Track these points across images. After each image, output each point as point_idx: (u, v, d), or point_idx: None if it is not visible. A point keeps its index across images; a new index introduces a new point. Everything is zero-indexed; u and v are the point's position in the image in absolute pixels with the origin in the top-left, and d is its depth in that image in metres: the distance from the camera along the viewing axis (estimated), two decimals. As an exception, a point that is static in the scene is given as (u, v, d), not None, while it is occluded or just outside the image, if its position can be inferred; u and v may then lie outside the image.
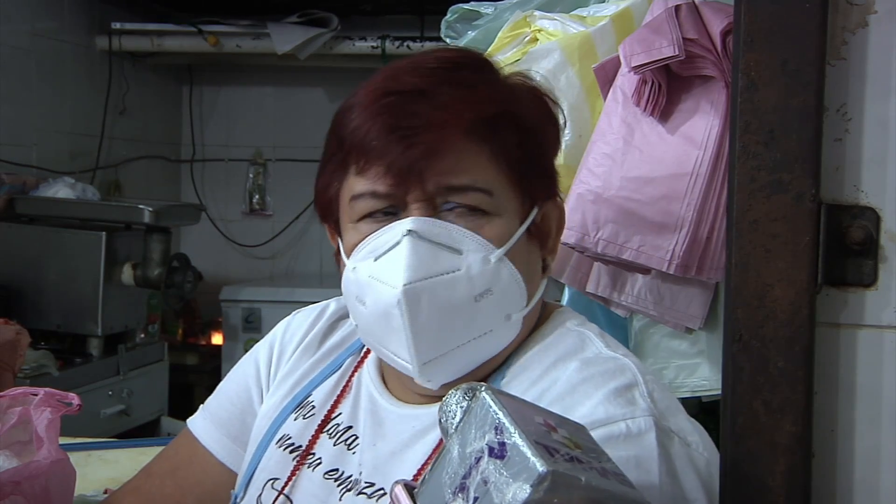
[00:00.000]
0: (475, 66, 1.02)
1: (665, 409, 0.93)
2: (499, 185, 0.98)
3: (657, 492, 0.86)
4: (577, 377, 0.95)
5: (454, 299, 0.94)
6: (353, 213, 1.00)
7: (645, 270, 1.49)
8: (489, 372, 1.01)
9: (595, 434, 0.86)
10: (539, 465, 0.62)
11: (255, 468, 1.09)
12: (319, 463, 1.04)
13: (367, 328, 1.00)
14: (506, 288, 0.96)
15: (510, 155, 0.99)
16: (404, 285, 0.92)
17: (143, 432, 3.31)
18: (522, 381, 0.98)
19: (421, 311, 0.93)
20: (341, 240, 1.03)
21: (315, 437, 1.07)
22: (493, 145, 0.98)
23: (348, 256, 1.00)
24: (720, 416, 0.89)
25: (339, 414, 1.08)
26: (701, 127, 1.40)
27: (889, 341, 0.85)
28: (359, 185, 0.98)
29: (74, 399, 1.02)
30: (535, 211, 1.01)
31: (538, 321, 1.05)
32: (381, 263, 0.95)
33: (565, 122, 1.08)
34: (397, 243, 0.94)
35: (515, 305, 0.98)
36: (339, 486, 1.01)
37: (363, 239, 0.98)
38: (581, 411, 0.90)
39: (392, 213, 0.97)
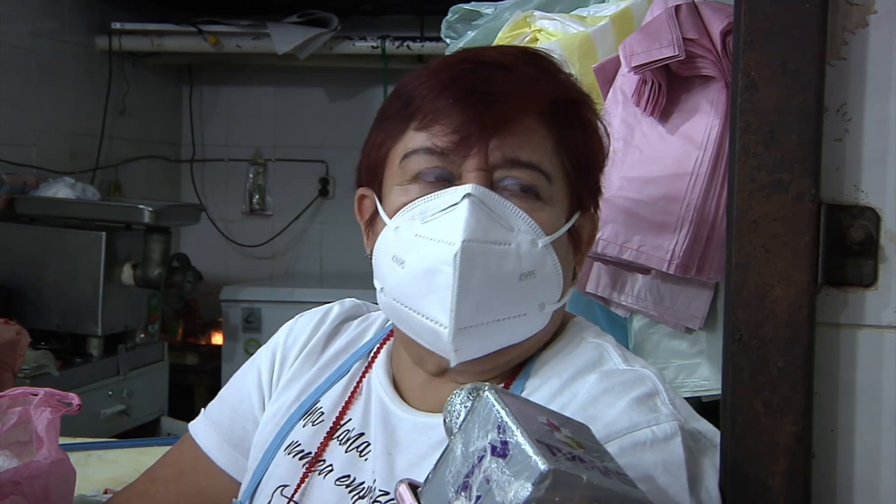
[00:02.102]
0: (551, 59, 1.04)
1: (688, 414, 0.93)
2: (557, 176, 0.98)
3: (685, 495, 0.86)
4: (597, 388, 0.94)
5: (502, 272, 0.93)
6: (403, 173, 0.98)
7: (645, 270, 1.49)
8: (507, 366, 1.01)
9: (621, 442, 0.86)
10: (541, 464, 0.62)
11: (262, 476, 1.07)
12: (331, 470, 1.03)
13: (400, 290, 0.97)
14: (548, 275, 0.96)
15: (573, 150, 0.99)
16: (464, 241, 0.90)
17: (143, 432, 3.31)
18: (542, 396, 0.97)
19: (472, 273, 0.91)
20: (381, 203, 1.01)
21: (325, 444, 1.05)
22: (560, 137, 0.98)
23: (391, 217, 0.98)
24: (720, 416, 0.89)
25: (349, 420, 1.07)
26: (701, 127, 1.40)
27: (889, 341, 0.85)
28: (415, 141, 0.97)
29: (74, 399, 1.02)
30: (577, 215, 1.01)
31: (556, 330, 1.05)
32: (434, 223, 0.94)
33: (608, 150, 1.07)
34: (454, 205, 0.93)
35: (551, 296, 0.98)
36: (351, 492, 1.00)
37: (412, 200, 0.96)
38: (604, 421, 0.89)
39: (445, 180, 0.96)
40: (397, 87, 1.02)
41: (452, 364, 0.96)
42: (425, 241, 0.93)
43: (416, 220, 0.95)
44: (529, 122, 0.96)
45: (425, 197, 0.95)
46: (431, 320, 0.93)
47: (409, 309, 0.96)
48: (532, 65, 0.99)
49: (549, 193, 0.97)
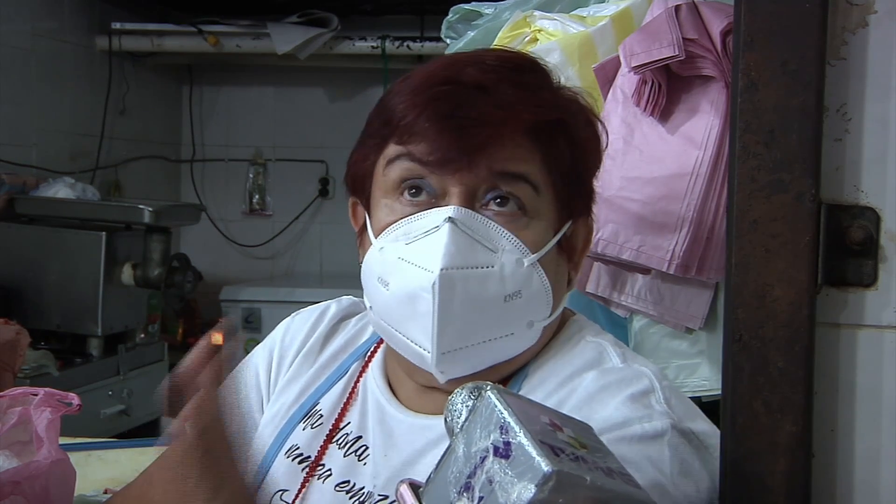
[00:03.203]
0: (536, 70, 1.01)
1: (683, 413, 0.93)
2: (545, 187, 0.97)
3: (671, 492, 0.86)
4: (593, 386, 0.94)
5: (485, 295, 0.93)
6: (387, 181, 0.97)
7: (645, 270, 1.49)
8: (502, 377, 1.00)
9: (611, 436, 0.86)
10: (544, 465, 0.62)
11: (263, 479, 1.07)
12: (329, 474, 1.03)
13: (386, 311, 0.97)
14: (534, 294, 0.96)
15: (561, 164, 0.98)
16: (442, 269, 0.90)
17: (143, 432, 3.31)
18: (539, 394, 0.97)
19: (453, 300, 0.91)
20: (370, 218, 1.01)
21: (324, 448, 1.05)
22: (547, 151, 0.97)
23: (377, 236, 0.98)
24: (720, 416, 0.88)
25: (348, 423, 1.06)
26: (701, 127, 1.40)
27: (889, 341, 0.85)
28: (395, 150, 0.96)
29: (74, 399, 1.02)
30: (568, 224, 1.00)
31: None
32: (416, 247, 0.93)
33: (607, 145, 1.06)
34: (436, 228, 0.93)
35: (540, 313, 0.98)
36: (350, 497, 1.00)
37: (397, 220, 0.96)
38: (598, 418, 0.89)
39: (428, 190, 0.95)
40: (380, 101, 1.01)
41: (440, 382, 0.96)
42: (407, 266, 0.93)
43: (399, 241, 0.95)
44: (515, 140, 0.95)
45: (409, 217, 0.95)
46: (416, 344, 0.94)
47: (395, 330, 0.97)
48: (513, 83, 0.96)
49: (535, 205, 0.96)
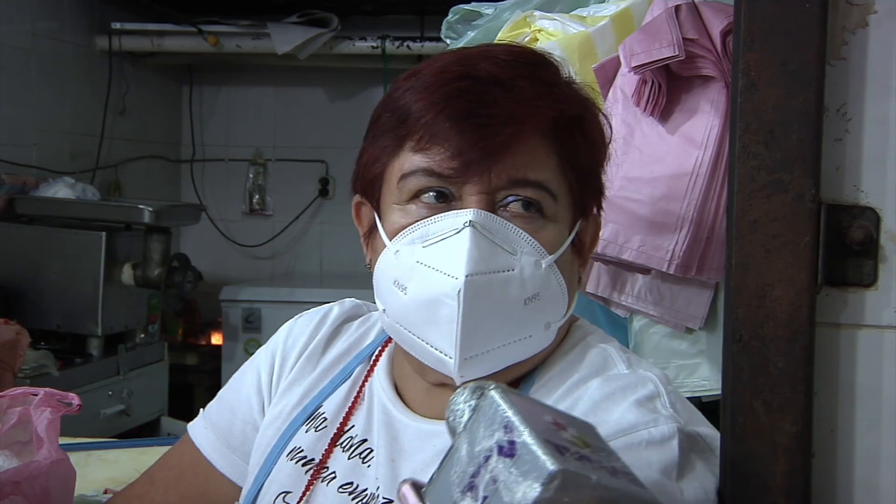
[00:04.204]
0: (549, 65, 1.00)
1: (689, 418, 0.93)
2: (562, 192, 0.96)
3: (680, 495, 0.85)
4: (598, 394, 0.94)
5: (507, 299, 0.92)
6: (401, 193, 0.95)
7: (645, 270, 1.49)
8: (515, 378, 0.99)
9: (618, 443, 0.85)
10: (549, 464, 0.61)
11: (264, 481, 1.06)
12: (334, 477, 1.02)
13: (403, 316, 0.95)
14: (552, 295, 0.95)
15: (576, 162, 0.97)
16: (467, 276, 0.88)
17: (143, 432, 3.31)
18: (545, 401, 0.97)
19: (477, 305, 0.89)
20: (380, 220, 0.99)
21: (329, 451, 1.04)
22: (563, 150, 0.96)
23: (390, 238, 0.96)
24: (720, 416, 0.88)
25: (353, 426, 1.06)
26: (701, 127, 1.40)
27: (889, 341, 0.85)
28: (412, 163, 0.94)
29: (74, 399, 1.02)
30: (579, 223, 1.00)
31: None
32: (434, 251, 0.92)
33: (611, 138, 1.05)
34: (455, 231, 0.91)
35: (556, 314, 0.97)
36: (353, 499, 1.00)
37: (413, 223, 0.94)
38: (603, 426, 0.88)
39: (444, 194, 0.94)
40: (390, 98, 0.98)
41: (457, 384, 0.95)
42: (427, 270, 0.91)
43: (416, 243, 0.93)
44: (532, 143, 0.93)
45: (425, 220, 0.93)
46: (436, 349, 0.93)
47: (414, 335, 0.95)
48: (530, 78, 0.95)
49: (553, 211, 0.95)
